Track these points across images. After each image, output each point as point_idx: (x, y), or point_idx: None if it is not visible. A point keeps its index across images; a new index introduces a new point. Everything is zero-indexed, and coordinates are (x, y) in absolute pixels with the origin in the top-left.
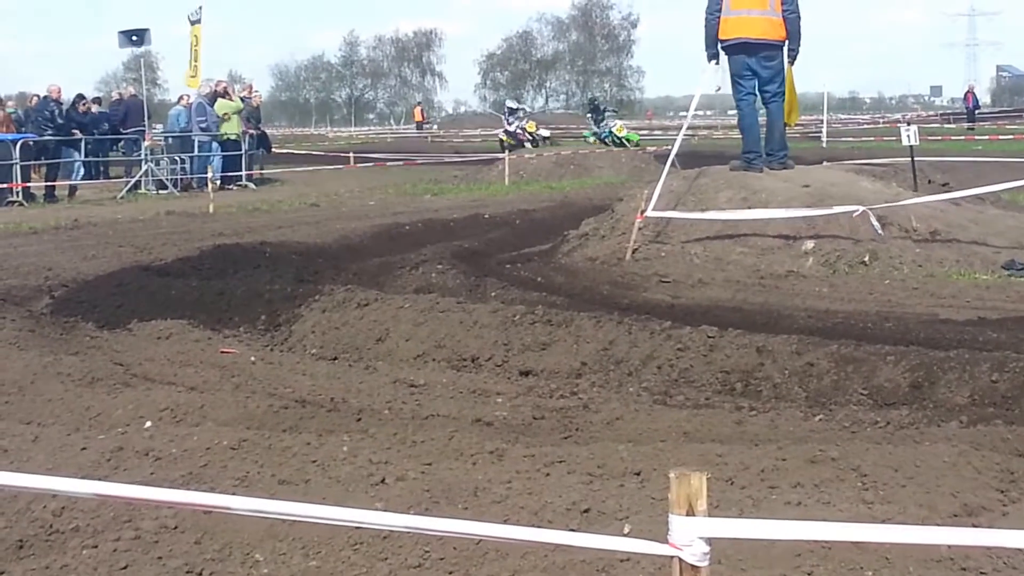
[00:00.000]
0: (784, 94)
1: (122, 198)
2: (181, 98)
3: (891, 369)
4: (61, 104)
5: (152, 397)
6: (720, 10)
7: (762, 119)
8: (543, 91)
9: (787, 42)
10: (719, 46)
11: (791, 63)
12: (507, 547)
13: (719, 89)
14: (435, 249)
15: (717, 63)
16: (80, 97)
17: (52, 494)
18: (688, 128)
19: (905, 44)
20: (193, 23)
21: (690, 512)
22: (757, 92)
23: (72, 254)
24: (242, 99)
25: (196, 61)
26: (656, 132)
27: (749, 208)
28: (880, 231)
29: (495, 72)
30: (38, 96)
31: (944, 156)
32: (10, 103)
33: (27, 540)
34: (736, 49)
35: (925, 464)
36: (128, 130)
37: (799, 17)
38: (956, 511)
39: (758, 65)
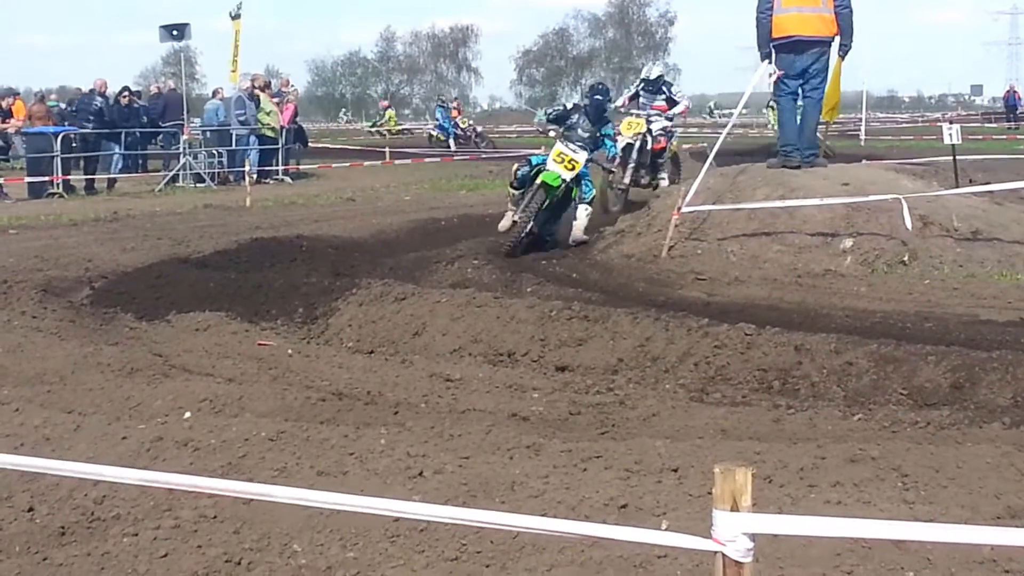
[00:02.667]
0: (822, 92)
1: (160, 191)
2: (216, 92)
3: (932, 369)
4: (107, 98)
5: (191, 388)
6: (772, 9)
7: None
8: (578, 88)
9: (839, 37)
10: (771, 45)
11: (842, 58)
12: (544, 541)
13: (772, 88)
14: (471, 244)
15: (770, 62)
16: (125, 90)
17: (93, 482)
18: (723, 126)
19: (945, 43)
20: (234, 18)
21: (734, 507)
22: (799, 90)
23: (111, 246)
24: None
25: (236, 56)
26: (691, 130)
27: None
28: (909, 226)
29: (531, 69)
30: (80, 90)
31: (985, 155)
32: (52, 96)
33: (69, 527)
34: (787, 47)
35: (967, 465)
36: (167, 124)
37: (851, 12)
38: (999, 513)
39: (806, 62)
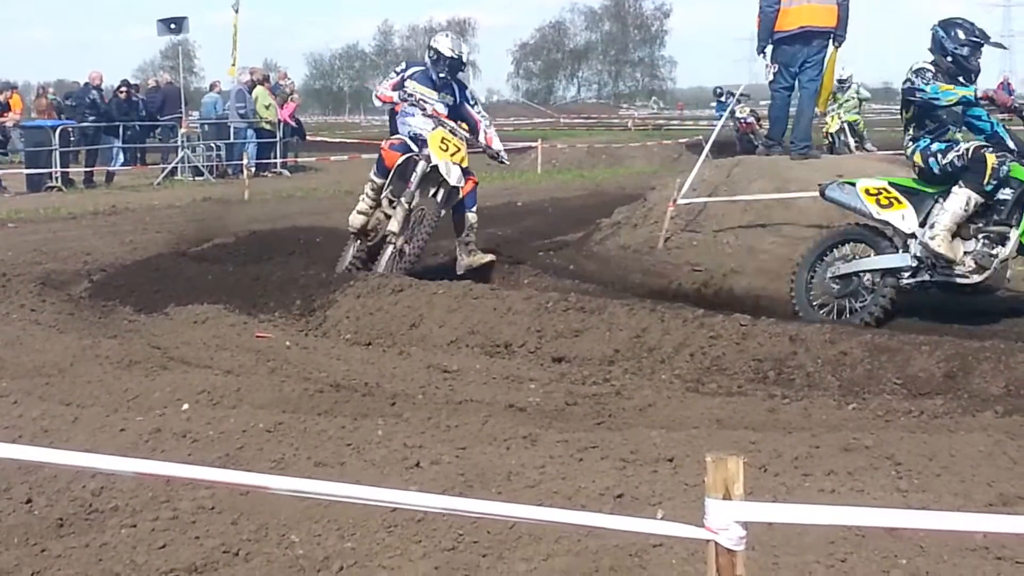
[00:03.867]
0: (818, 83)
1: (159, 184)
2: (214, 85)
3: (925, 359)
4: (102, 91)
5: (189, 380)
6: (779, 2)
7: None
8: (575, 81)
9: (836, 28)
10: (772, 38)
11: (837, 48)
12: (540, 531)
13: (771, 80)
14: None
15: (765, 56)
16: (124, 84)
17: (91, 473)
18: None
19: None
20: (234, 12)
21: (726, 496)
22: (796, 82)
23: (110, 239)
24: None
25: (234, 50)
26: (687, 123)
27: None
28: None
29: (528, 62)
30: (77, 83)
31: None
32: (51, 90)
33: (67, 518)
34: (794, 39)
35: (960, 453)
36: (165, 117)
37: (849, 2)
38: (991, 500)
39: (810, 53)
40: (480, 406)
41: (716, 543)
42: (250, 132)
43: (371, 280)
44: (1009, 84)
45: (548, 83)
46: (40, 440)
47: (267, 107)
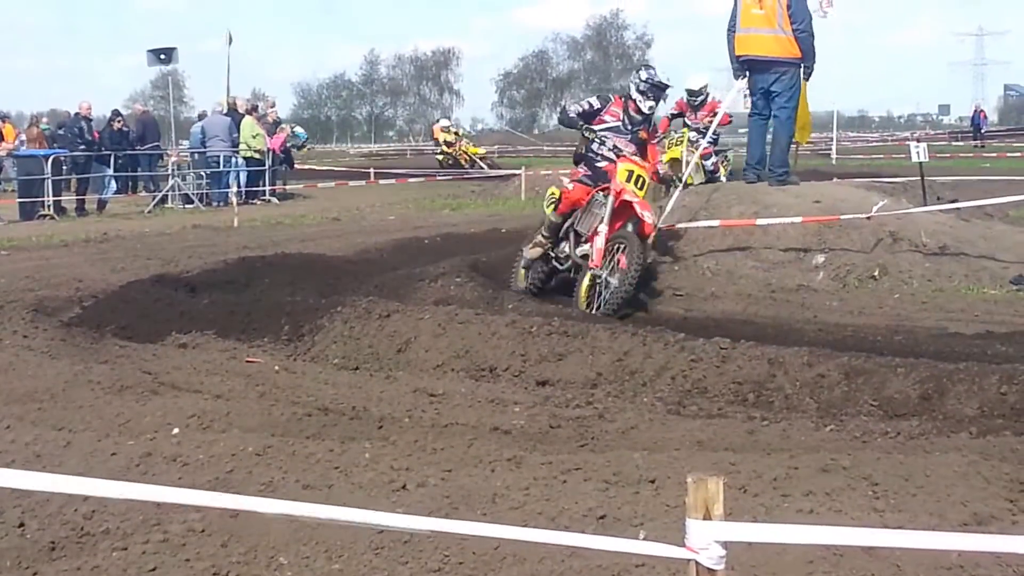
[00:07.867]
0: (793, 111)
1: (150, 212)
2: (202, 115)
3: (901, 381)
4: (91, 121)
5: (180, 405)
6: (734, 28)
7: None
8: (558, 109)
9: (801, 60)
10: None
11: (806, 79)
12: (525, 552)
13: (747, 106)
14: (454, 262)
15: (744, 79)
16: (117, 114)
17: (83, 497)
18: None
19: (913, 63)
20: (228, 43)
21: (707, 516)
22: (767, 110)
23: (101, 266)
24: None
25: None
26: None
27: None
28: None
29: (511, 90)
30: (69, 113)
31: (953, 174)
32: (44, 120)
33: (59, 542)
34: (751, 66)
35: (935, 474)
36: (145, 147)
37: (812, 36)
38: (966, 520)
39: (767, 82)
40: (465, 429)
41: (697, 563)
42: (239, 161)
43: (359, 305)
44: (982, 112)
45: (531, 111)
46: (33, 465)
47: (254, 136)
